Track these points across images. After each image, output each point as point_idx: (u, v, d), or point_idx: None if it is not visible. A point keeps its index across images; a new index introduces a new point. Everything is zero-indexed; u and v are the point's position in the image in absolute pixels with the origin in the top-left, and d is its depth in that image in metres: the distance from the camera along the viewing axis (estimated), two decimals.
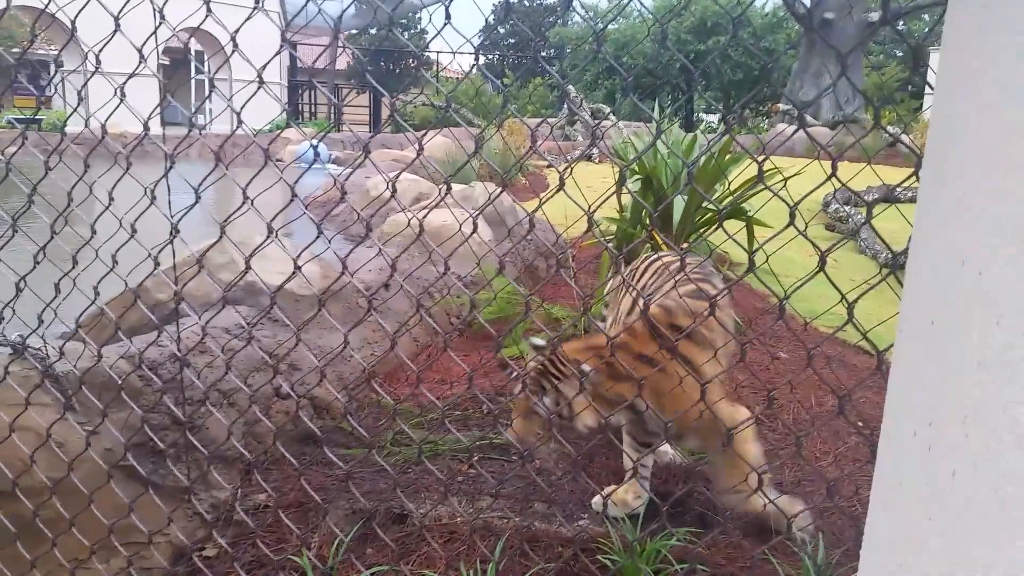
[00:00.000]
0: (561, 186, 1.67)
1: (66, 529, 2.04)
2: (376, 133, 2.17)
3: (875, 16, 20.14)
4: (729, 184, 5.30)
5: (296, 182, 2.14)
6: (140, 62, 1.86)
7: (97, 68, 1.93)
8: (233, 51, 1.76)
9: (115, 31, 1.80)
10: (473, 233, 1.90)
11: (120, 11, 1.78)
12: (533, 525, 2.57)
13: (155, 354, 2.78)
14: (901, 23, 22.44)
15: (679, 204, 4.75)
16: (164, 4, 1.84)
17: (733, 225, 4.97)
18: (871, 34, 15.24)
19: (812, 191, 1.50)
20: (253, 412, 2.73)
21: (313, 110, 29.32)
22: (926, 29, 23.08)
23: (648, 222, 4.93)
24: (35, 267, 2.11)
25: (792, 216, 1.39)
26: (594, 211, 1.72)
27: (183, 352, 2.90)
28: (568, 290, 5.38)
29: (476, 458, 3.06)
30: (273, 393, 3.10)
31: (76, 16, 1.92)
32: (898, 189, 7.35)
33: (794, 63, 22.10)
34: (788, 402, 3.80)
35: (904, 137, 12.59)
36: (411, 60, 30.50)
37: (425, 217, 1.95)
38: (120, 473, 2.36)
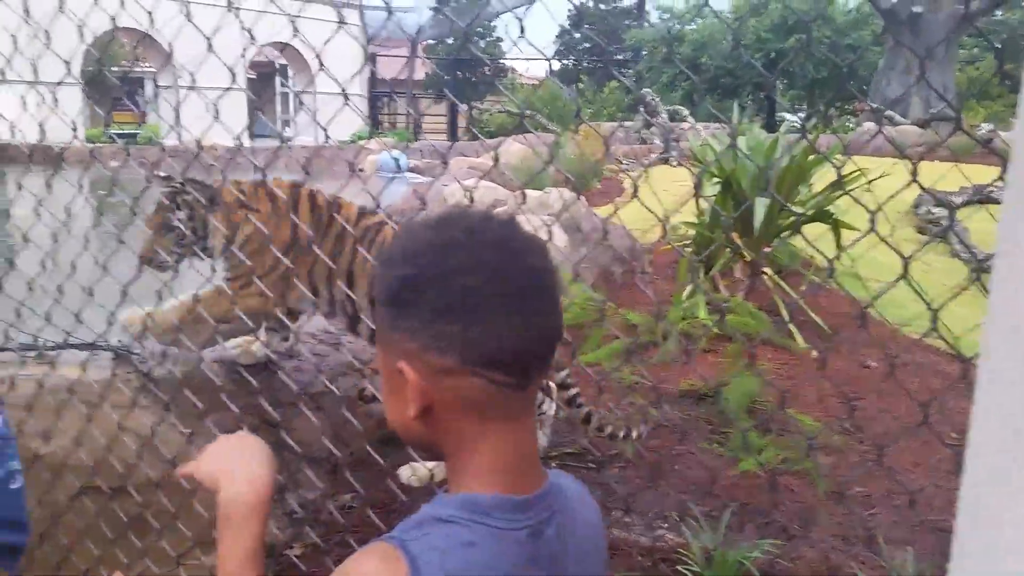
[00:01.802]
0: (635, 193, 1.67)
1: (170, 523, 2.16)
2: (454, 142, 2.21)
3: (971, 6, 19.27)
4: (811, 186, 5.17)
5: (380, 192, 2.21)
6: (232, 80, 1.94)
7: (194, 86, 2.03)
8: (319, 68, 1.83)
9: (207, 49, 1.89)
10: (548, 240, 1.92)
11: (213, 32, 1.87)
12: (611, 533, 2.56)
13: (247, 358, 2.90)
14: (998, 12, 21.41)
15: (760, 207, 4.66)
16: (255, 23, 1.92)
17: (818, 228, 4.85)
18: (961, 27, 14.54)
19: (896, 193, 1.46)
20: (338, 414, 2.81)
21: (392, 120, 29.94)
22: None
23: (728, 226, 4.85)
24: (139, 275, 2.24)
25: (872, 220, 1.35)
26: (670, 216, 1.71)
27: (280, 355, 3.02)
28: (645, 296, 5.34)
29: (553, 465, 3.07)
30: (357, 396, 3.19)
31: (163, 32, 2.03)
32: (991, 189, 7.01)
33: (880, 60, 21.31)
34: (877, 412, 3.68)
35: (1002, 134, 11.97)
36: (487, 68, 30.80)
37: None
38: None
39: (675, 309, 4.64)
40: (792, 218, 4.95)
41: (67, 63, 2.11)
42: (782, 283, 4.90)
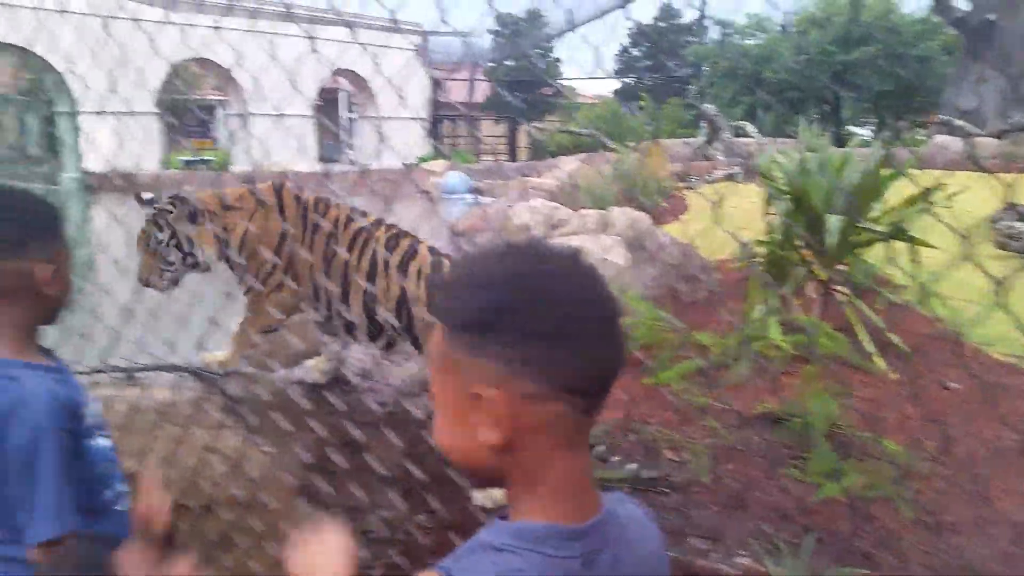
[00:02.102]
0: (716, 206, 1.66)
1: (256, 544, 2.22)
2: (522, 162, 2.23)
3: None
4: (885, 201, 5.03)
5: (447, 214, 2.24)
6: (309, 108, 2.00)
7: (279, 113, 2.10)
8: (399, 99, 1.87)
9: (276, 79, 1.95)
10: (609, 259, 1.92)
11: (269, 56, 1.93)
12: (690, 561, 2.52)
13: (318, 376, 2.97)
14: None
15: (833, 224, 4.55)
16: (308, 51, 1.98)
17: (893, 245, 4.70)
18: None
19: (977, 210, 1.41)
20: (415, 433, 2.84)
21: (454, 142, 30.34)
22: None
23: (800, 243, 4.76)
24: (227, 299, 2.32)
25: (961, 240, 1.31)
26: (741, 234, 1.69)
27: (352, 377, 3.08)
28: (714, 315, 5.26)
29: (628, 489, 3.04)
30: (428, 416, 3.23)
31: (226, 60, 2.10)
32: None
33: (952, 70, 20.66)
34: (963, 436, 3.54)
35: None
36: (547, 88, 30.95)
37: (566, 241, 1.99)
38: (297, 489, 2.53)
39: (746, 329, 4.56)
40: (866, 235, 4.83)
41: (140, 92, 2.20)
42: (857, 302, 4.76)
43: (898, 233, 4.65)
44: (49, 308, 1.49)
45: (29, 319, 1.46)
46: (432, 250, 3.16)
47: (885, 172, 4.89)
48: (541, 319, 0.86)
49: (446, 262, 3.10)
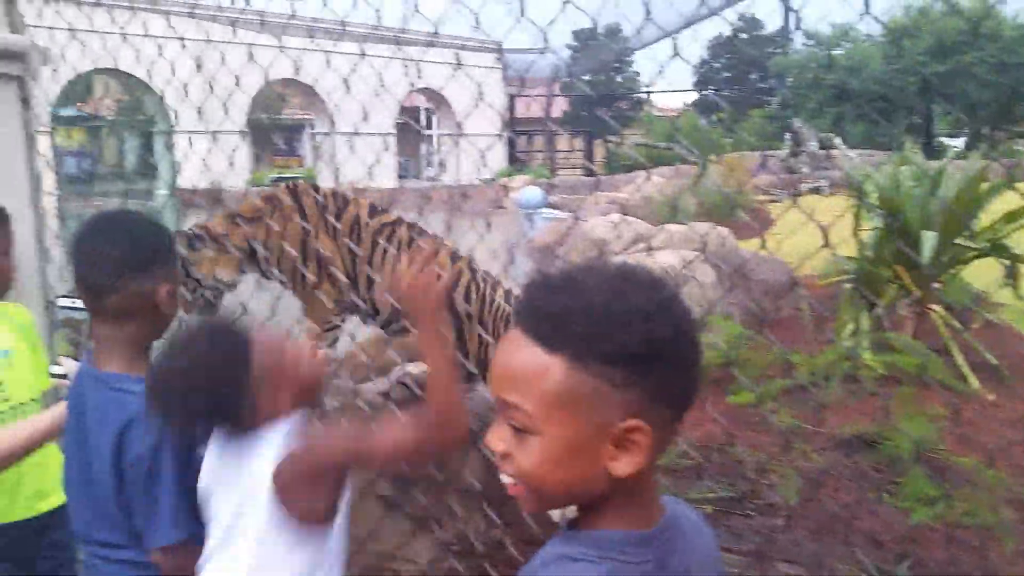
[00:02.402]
0: (812, 220, 1.60)
1: None
2: (599, 176, 2.21)
3: None
4: (982, 216, 4.79)
5: (524, 229, 2.23)
6: (390, 126, 2.02)
7: (362, 132, 2.14)
8: (473, 106, 1.87)
9: (361, 96, 1.98)
10: (691, 276, 1.87)
11: (347, 74, 1.96)
12: None
13: (403, 393, 2.99)
14: None
15: (928, 240, 4.35)
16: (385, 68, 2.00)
17: (992, 263, 4.48)
18: None
19: None
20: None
21: (530, 157, 30.51)
22: None
23: (892, 260, 4.57)
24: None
25: None
26: (829, 249, 1.61)
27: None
28: (800, 332, 5.10)
29: (709, 510, 2.96)
30: None
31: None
32: None
33: None
34: None
35: None
36: (624, 102, 30.86)
37: (647, 257, 1.95)
38: (374, 498, 2.56)
39: (836, 348, 4.40)
40: (963, 252, 4.60)
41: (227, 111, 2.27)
42: (953, 321, 4.54)
43: (997, 250, 4.42)
44: (162, 326, 1.57)
45: (145, 336, 1.54)
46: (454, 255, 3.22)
47: (984, 186, 4.66)
48: (686, 351, 0.88)
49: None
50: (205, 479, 1.38)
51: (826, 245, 1.50)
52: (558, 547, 0.89)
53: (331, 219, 3.08)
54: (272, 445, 1.32)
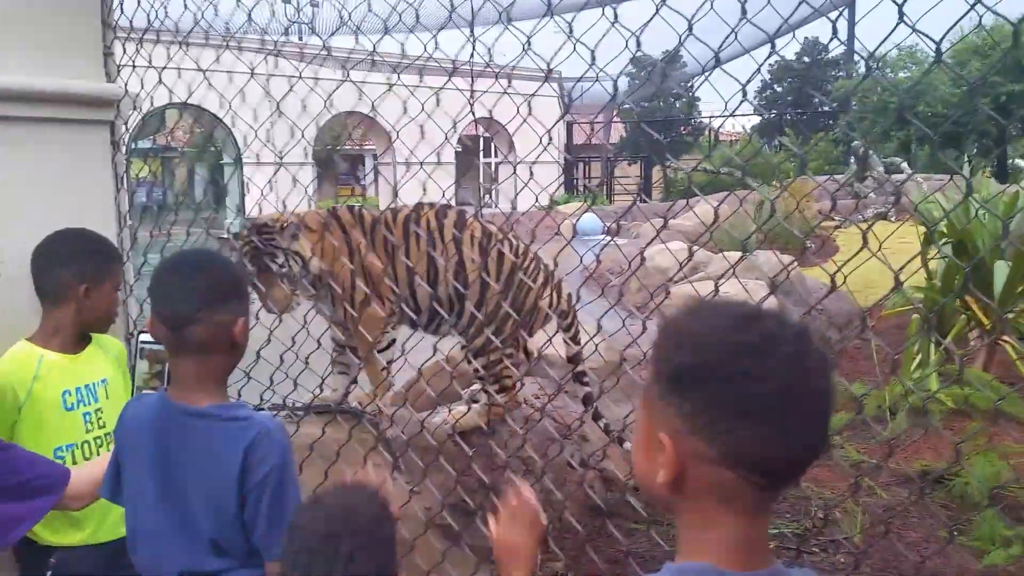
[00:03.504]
0: (864, 244, 1.59)
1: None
2: (657, 202, 2.23)
3: None
4: None
5: (583, 256, 2.27)
6: (451, 155, 2.08)
7: (424, 161, 2.22)
8: (544, 144, 1.92)
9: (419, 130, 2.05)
10: (767, 296, 1.87)
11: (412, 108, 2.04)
12: None
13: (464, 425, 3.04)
14: None
15: (1000, 269, 4.23)
16: (467, 107, 2.07)
17: None
18: None
19: None
20: (550, 479, 2.85)
21: (589, 183, 30.51)
22: None
23: (963, 289, 4.44)
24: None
25: None
26: (899, 277, 1.60)
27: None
28: (866, 364, 4.99)
29: (774, 546, 2.91)
30: (567, 462, 3.23)
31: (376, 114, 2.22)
32: None
33: None
34: None
35: None
36: (684, 127, 30.68)
37: (708, 286, 1.95)
38: (437, 529, 2.60)
39: (904, 380, 4.29)
40: None
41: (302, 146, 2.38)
42: None
43: None
44: (238, 358, 1.67)
45: (225, 369, 1.64)
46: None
47: None
48: (735, 395, 0.87)
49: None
50: None
51: (897, 286, 1.49)
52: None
53: (386, 234, 3.11)
54: None
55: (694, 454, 0.89)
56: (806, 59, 30.43)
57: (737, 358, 0.88)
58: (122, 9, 2.63)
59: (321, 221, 3.07)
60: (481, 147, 27.83)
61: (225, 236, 3.08)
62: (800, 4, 1.31)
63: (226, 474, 1.51)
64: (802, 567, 1.02)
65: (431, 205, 3.16)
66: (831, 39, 1.42)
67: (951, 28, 1.32)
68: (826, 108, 26.38)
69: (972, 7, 1.18)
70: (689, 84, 28.19)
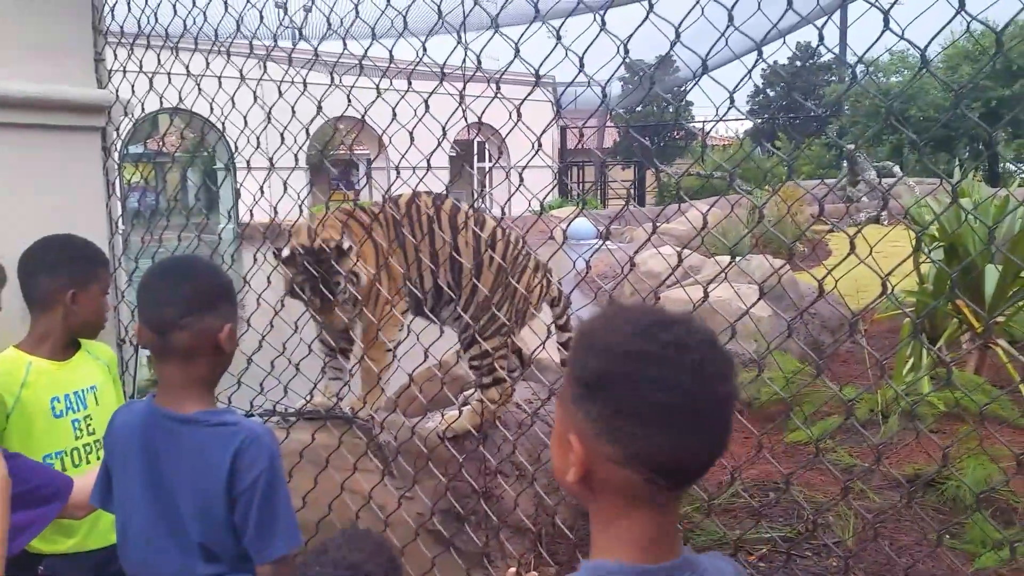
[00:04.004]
0: (852, 250, 1.60)
1: None
2: (650, 206, 2.24)
3: None
4: None
5: (574, 259, 2.27)
6: (445, 160, 2.09)
7: (417, 166, 2.21)
8: (536, 149, 1.92)
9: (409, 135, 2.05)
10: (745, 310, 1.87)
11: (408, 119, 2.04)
12: None
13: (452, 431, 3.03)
14: None
15: (991, 273, 4.25)
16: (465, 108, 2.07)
17: None
18: None
19: None
20: (543, 484, 2.85)
21: (581, 188, 30.55)
22: None
23: (954, 293, 4.46)
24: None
25: None
26: (890, 281, 1.60)
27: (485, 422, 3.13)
28: (859, 367, 5.00)
29: (764, 550, 2.92)
30: None
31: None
32: None
33: None
34: None
35: None
36: (677, 132, 30.77)
37: (700, 291, 1.96)
38: (428, 535, 2.59)
39: (896, 384, 4.31)
40: None
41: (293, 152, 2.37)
42: (1019, 356, 4.41)
43: None
44: (224, 364, 1.66)
45: (211, 375, 1.64)
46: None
47: None
48: (640, 402, 0.91)
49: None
50: None
51: (886, 291, 1.50)
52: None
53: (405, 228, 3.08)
54: None
55: (601, 456, 0.93)
56: (798, 64, 30.57)
57: (643, 366, 0.91)
58: (113, 15, 2.62)
59: (345, 225, 3.04)
60: (475, 152, 27.86)
61: (281, 256, 2.92)
62: (787, 11, 1.31)
63: (214, 479, 1.51)
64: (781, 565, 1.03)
65: (428, 193, 3.14)
66: (818, 44, 1.43)
67: (937, 34, 1.33)
68: (818, 113, 26.50)
69: (957, 13, 1.18)
70: (681, 89, 28.29)
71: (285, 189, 2.55)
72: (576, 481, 0.96)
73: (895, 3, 1.24)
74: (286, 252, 2.87)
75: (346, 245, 2.88)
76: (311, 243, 2.88)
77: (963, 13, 1.18)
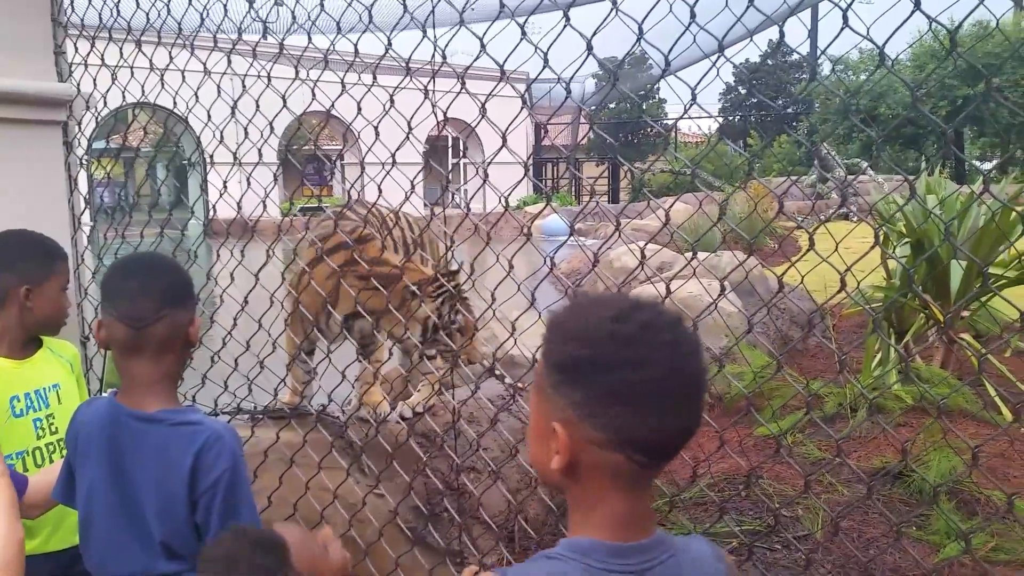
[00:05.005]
0: (812, 246, 1.62)
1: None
2: (624, 203, 2.24)
3: None
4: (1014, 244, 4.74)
5: (549, 256, 2.27)
6: (418, 156, 2.07)
7: (392, 162, 2.20)
8: (503, 145, 1.92)
9: (375, 129, 2.04)
10: (719, 299, 1.88)
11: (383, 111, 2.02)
12: None
13: (435, 423, 3.02)
14: None
15: (957, 269, 4.32)
16: (442, 104, 2.05)
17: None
18: None
19: None
20: (515, 481, 2.85)
21: (555, 184, 30.62)
22: None
23: (920, 288, 4.53)
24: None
25: None
26: (854, 276, 1.62)
27: (455, 421, 3.12)
28: (828, 362, 5.06)
29: (734, 544, 2.94)
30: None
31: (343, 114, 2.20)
32: None
33: None
34: None
35: None
36: (650, 129, 30.94)
37: (671, 286, 1.97)
38: (399, 533, 2.58)
39: (863, 378, 4.36)
40: (993, 280, 4.55)
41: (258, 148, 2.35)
42: (983, 350, 4.49)
43: None
44: (189, 360, 1.67)
45: (177, 371, 1.63)
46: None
47: (1016, 211, 4.61)
48: (621, 383, 0.95)
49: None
50: None
51: (844, 287, 1.52)
52: (547, 550, 1.02)
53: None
54: None
55: (585, 439, 0.96)
56: (769, 62, 30.87)
57: (619, 348, 0.95)
58: (73, 7, 2.57)
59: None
60: (449, 147, 27.79)
61: (413, 290, 2.91)
62: (748, 8, 1.32)
63: (176, 479, 1.49)
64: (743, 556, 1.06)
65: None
66: (779, 42, 1.44)
67: (893, 33, 1.35)
68: (785, 111, 26.77)
69: (913, 12, 1.20)
70: (654, 87, 28.44)
71: (270, 188, 2.52)
72: (560, 468, 0.98)
73: (854, 1, 1.25)
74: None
75: (454, 267, 2.97)
76: (435, 272, 2.96)
77: (920, 11, 1.19)
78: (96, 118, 2.67)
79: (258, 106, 2.18)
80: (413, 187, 2.06)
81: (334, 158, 25.39)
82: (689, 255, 7.54)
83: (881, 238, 4.55)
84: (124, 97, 2.61)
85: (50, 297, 2.14)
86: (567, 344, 0.99)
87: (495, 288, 2.08)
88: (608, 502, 0.99)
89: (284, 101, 2.12)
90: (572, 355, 0.97)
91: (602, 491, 0.99)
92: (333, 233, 2.78)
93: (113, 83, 2.61)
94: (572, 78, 1.81)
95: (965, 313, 4.69)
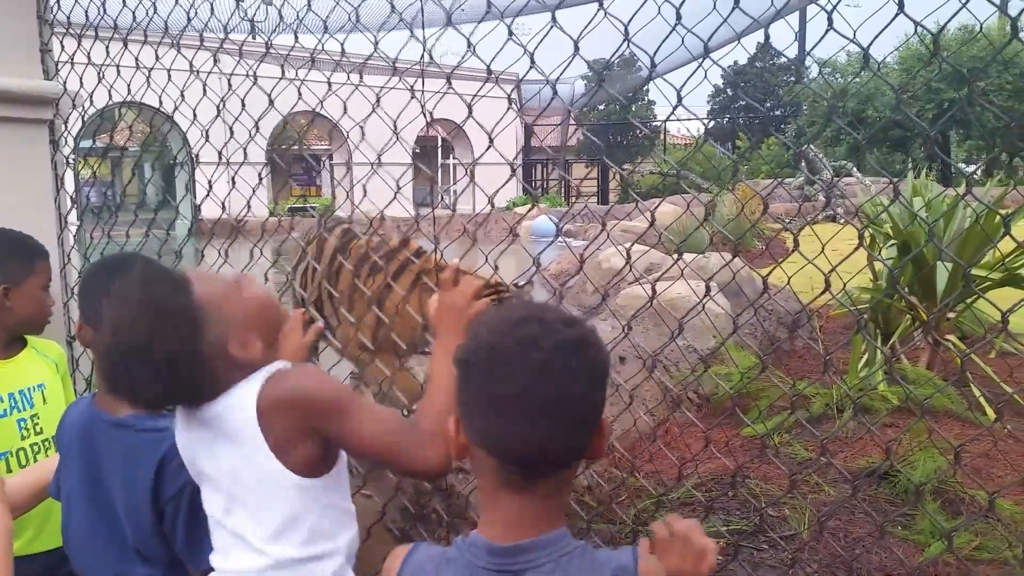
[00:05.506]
0: (796, 247, 1.63)
1: None
2: (613, 204, 2.25)
3: None
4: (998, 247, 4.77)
5: (538, 257, 2.27)
6: (407, 156, 2.07)
7: (380, 162, 2.20)
8: (489, 146, 1.92)
9: (362, 129, 2.04)
10: (705, 300, 1.89)
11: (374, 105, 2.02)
12: None
13: None
14: None
15: (942, 270, 4.35)
16: (430, 105, 2.05)
17: (1012, 292, 4.45)
18: None
19: None
20: None
21: (545, 185, 30.64)
22: None
23: (905, 291, 4.56)
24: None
25: None
26: (840, 277, 1.63)
27: None
28: (815, 363, 5.09)
29: (721, 543, 2.95)
30: None
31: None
32: None
33: None
34: None
35: None
36: (639, 131, 31.01)
37: (659, 287, 1.97)
38: (387, 533, 2.57)
39: (850, 378, 4.39)
40: (978, 282, 4.59)
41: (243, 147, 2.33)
42: (969, 351, 4.52)
43: (1015, 280, 4.41)
44: None
45: None
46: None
47: (999, 219, 4.65)
48: (480, 389, 1.00)
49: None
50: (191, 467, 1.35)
51: (828, 288, 1.53)
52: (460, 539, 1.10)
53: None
54: (248, 400, 1.23)
55: (467, 437, 1.03)
56: (757, 64, 30.99)
57: (492, 359, 0.99)
58: (59, 4, 2.55)
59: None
60: (439, 147, 27.76)
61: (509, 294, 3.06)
62: (733, 10, 1.33)
63: (141, 487, 1.47)
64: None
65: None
66: (764, 44, 1.45)
67: (877, 36, 1.36)
68: (773, 113, 26.89)
69: (897, 15, 1.21)
70: (644, 89, 28.48)
71: (256, 188, 2.50)
72: (456, 457, 1.07)
73: (839, 2, 1.26)
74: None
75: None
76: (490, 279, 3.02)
77: (904, 14, 1.20)
78: (83, 117, 2.66)
79: (244, 105, 2.17)
80: (399, 188, 2.06)
81: (323, 158, 25.34)
82: (676, 255, 7.57)
83: (867, 240, 4.60)
84: (111, 96, 2.59)
85: (31, 296, 2.12)
86: (466, 346, 1.03)
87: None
88: (499, 501, 1.03)
89: (271, 100, 2.12)
90: (462, 357, 1.03)
91: (493, 490, 1.04)
92: (393, 250, 2.98)
93: (100, 82, 2.59)
94: (559, 79, 1.82)
95: (951, 315, 4.72)
